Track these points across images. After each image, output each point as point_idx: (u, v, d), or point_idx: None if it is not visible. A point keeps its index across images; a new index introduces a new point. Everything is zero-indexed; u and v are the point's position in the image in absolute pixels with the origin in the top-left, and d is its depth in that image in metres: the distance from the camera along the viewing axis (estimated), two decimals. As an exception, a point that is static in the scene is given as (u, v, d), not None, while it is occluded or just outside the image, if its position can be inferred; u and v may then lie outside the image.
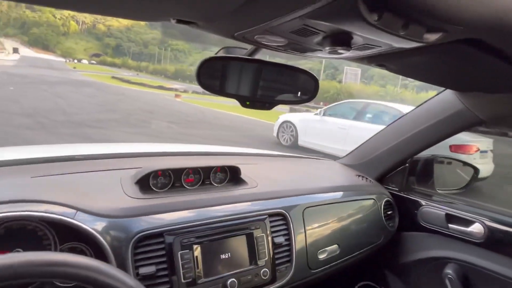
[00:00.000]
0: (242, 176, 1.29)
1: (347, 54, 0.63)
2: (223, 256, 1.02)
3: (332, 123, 7.70)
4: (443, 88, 1.38)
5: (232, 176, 1.28)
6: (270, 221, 1.15)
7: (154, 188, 1.11)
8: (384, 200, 1.60)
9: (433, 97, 1.50)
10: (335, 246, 1.34)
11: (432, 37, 0.54)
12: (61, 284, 0.84)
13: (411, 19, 0.48)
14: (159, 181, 1.13)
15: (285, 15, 0.47)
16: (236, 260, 1.05)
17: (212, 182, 1.23)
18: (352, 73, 38.19)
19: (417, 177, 1.71)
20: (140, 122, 11.12)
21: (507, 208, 1.45)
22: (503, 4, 0.46)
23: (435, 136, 1.50)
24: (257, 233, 1.10)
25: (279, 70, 0.81)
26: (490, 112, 1.28)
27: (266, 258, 1.10)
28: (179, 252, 0.94)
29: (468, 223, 1.43)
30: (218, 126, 12.83)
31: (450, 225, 1.48)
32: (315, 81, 0.85)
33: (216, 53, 0.80)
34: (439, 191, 1.67)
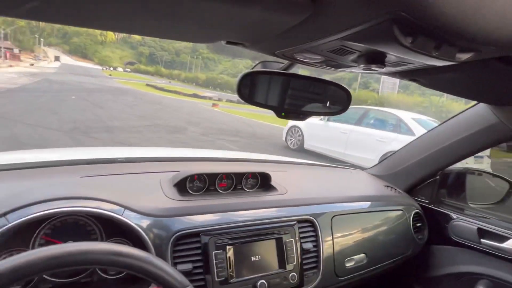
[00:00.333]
0: (272, 182, 1.34)
1: (380, 70, 0.67)
2: (253, 258, 1.07)
3: (335, 128, 8.09)
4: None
5: (262, 182, 1.33)
6: (299, 227, 1.19)
7: (190, 191, 1.18)
8: (414, 212, 1.59)
9: (466, 109, 1.49)
10: (362, 255, 1.35)
11: (464, 56, 0.55)
12: (104, 275, 0.92)
13: (443, 41, 0.50)
14: (195, 185, 1.20)
15: (325, 38, 0.52)
16: (266, 263, 1.10)
17: (244, 187, 1.29)
18: (390, 82, 35.28)
19: (448, 189, 1.69)
20: (193, 141, 9.59)
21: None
22: None
23: (468, 149, 1.49)
24: (286, 238, 1.14)
25: (312, 83, 0.86)
26: None
27: (295, 263, 1.14)
28: (214, 252, 1.00)
29: (502, 238, 1.40)
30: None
31: (482, 240, 1.46)
32: (347, 93, 0.90)
33: (253, 67, 0.87)
34: (471, 205, 1.64)
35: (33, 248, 0.86)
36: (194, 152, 1.96)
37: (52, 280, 0.87)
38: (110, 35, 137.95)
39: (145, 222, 0.94)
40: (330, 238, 1.26)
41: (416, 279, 1.67)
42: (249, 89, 0.82)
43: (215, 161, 1.66)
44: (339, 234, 1.29)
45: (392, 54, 0.57)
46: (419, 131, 6.45)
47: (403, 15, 0.43)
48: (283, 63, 0.86)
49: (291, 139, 9.19)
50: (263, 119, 17.08)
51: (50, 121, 9.29)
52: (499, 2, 0.41)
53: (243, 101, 0.83)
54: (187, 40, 0.59)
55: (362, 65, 0.63)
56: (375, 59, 0.60)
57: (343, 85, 0.89)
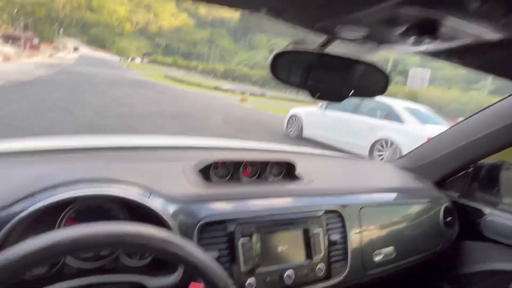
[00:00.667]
0: (297, 172, 1.29)
1: (429, 46, 0.61)
2: (280, 248, 1.03)
3: (331, 116, 8.40)
4: None
5: (287, 171, 1.29)
6: (326, 218, 1.15)
7: (214, 178, 1.15)
8: (444, 205, 1.52)
9: (503, 98, 1.40)
10: (391, 248, 1.30)
11: None
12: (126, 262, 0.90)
13: None
14: (219, 172, 1.17)
15: (379, 3, 0.47)
16: (293, 253, 1.06)
17: (268, 176, 1.25)
18: (418, 76, 30.90)
19: (481, 183, 1.61)
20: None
21: None
22: None
23: (505, 141, 1.40)
24: (313, 228, 1.10)
25: (349, 64, 0.81)
26: None
27: (322, 255, 1.10)
28: (240, 240, 0.96)
29: None
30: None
31: None
32: (386, 75, 0.84)
33: (285, 47, 0.82)
34: (507, 200, 1.56)
35: None
36: (216, 141, 1.93)
37: (76, 265, 0.86)
38: (128, 26, 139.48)
39: (171, 208, 0.91)
40: (358, 230, 1.21)
41: (445, 276, 1.60)
42: (282, 69, 0.77)
43: (237, 150, 1.62)
44: (367, 227, 1.24)
45: (449, 24, 0.52)
46: (409, 119, 6.79)
47: None
48: (314, 45, 0.81)
49: (291, 127, 9.50)
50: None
51: (61, 128, 7.33)
52: None
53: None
54: (225, 4, 0.54)
55: (412, 38, 0.57)
56: (427, 30, 0.54)
57: (381, 67, 0.83)
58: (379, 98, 7.88)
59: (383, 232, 1.30)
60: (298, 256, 1.06)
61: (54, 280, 0.78)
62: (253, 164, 1.23)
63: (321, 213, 1.14)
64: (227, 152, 1.52)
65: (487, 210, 1.51)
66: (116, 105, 11.27)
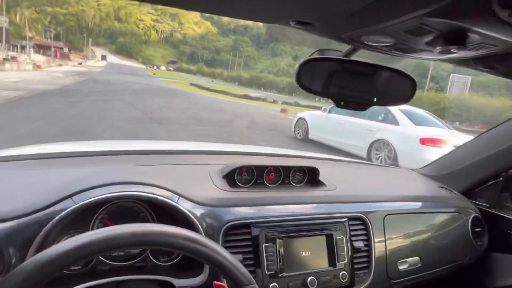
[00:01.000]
0: (321, 178, 1.30)
1: (456, 54, 0.61)
2: (303, 254, 1.04)
3: (334, 119, 8.70)
4: None
5: (310, 177, 1.29)
6: (350, 225, 1.15)
7: (238, 183, 1.17)
8: (472, 215, 1.48)
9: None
10: (416, 258, 1.28)
11: None
12: (157, 261, 0.93)
13: None
14: (243, 177, 1.19)
15: (404, 15, 0.47)
16: (316, 259, 1.06)
17: (291, 181, 1.26)
18: (460, 82, 28.61)
19: None
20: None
21: None
22: None
23: None
24: (337, 235, 1.10)
25: (375, 71, 0.81)
26: None
27: (345, 261, 1.09)
28: (264, 244, 0.98)
29: None
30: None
31: None
32: (413, 82, 0.83)
33: (310, 56, 0.83)
34: None
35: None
36: (240, 147, 1.96)
37: (109, 263, 0.90)
38: (154, 34, 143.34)
39: (198, 211, 0.94)
40: (383, 238, 1.20)
41: None
42: (308, 78, 0.79)
43: (262, 155, 1.64)
44: (392, 235, 1.23)
45: (477, 32, 0.51)
46: (403, 121, 7.03)
47: None
48: (340, 52, 0.82)
49: (298, 130, 9.94)
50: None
51: (111, 133, 6.46)
52: None
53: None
54: (252, 19, 0.57)
55: (439, 48, 0.57)
56: (455, 39, 0.54)
57: (408, 73, 0.83)
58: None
59: (408, 241, 1.28)
60: (321, 262, 1.07)
61: (88, 276, 0.83)
62: (276, 169, 1.24)
63: (344, 219, 1.14)
64: (251, 158, 1.55)
65: None
66: (148, 120, 10.08)
